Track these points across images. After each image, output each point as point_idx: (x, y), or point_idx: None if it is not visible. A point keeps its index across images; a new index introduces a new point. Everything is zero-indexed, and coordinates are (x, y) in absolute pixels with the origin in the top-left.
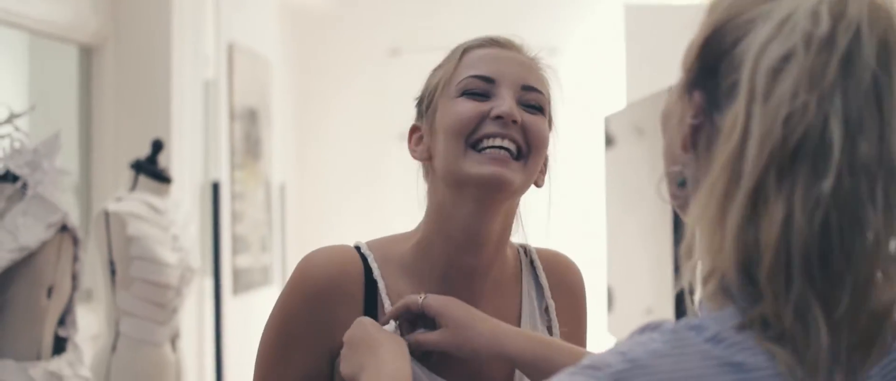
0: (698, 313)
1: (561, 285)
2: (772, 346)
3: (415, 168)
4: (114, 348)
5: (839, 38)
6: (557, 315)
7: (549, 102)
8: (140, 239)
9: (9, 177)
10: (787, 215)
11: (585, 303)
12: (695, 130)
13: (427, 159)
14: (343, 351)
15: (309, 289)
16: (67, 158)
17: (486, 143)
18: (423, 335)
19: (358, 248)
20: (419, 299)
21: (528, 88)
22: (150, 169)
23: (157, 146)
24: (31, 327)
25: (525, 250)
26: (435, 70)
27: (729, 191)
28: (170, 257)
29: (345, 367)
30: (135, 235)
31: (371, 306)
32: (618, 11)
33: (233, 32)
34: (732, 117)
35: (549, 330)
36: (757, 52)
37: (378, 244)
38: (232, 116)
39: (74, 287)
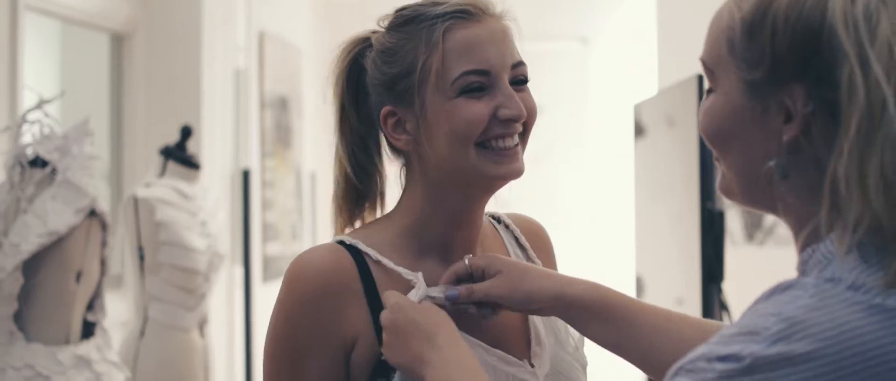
0: (801, 272)
1: (537, 244)
2: None
3: None
4: (142, 333)
5: None
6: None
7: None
8: (169, 225)
9: (38, 162)
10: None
11: (556, 261)
12: (807, 118)
13: (412, 148)
14: (386, 338)
15: (307, 293)
16: (98, 145)
17: (495, 143)
18: (477, 286)
19: (342, 242)
20: (465, 261)
21: (517, 65)
22: (179, 155)
23: (186, 132)
24: (60, 311)
25: (495, 217)
26: (403, 42)
27: (865, 139)
28: (198, 242)
29: (394, 356)
30: (163, 220)
31: (372, 294)
32: (650, 1)
33: (264, 21)
34: (848, 75)
35: None
36: (844, 9)
37: (361, 234)
38: (262, 104)
39: (103, 272)
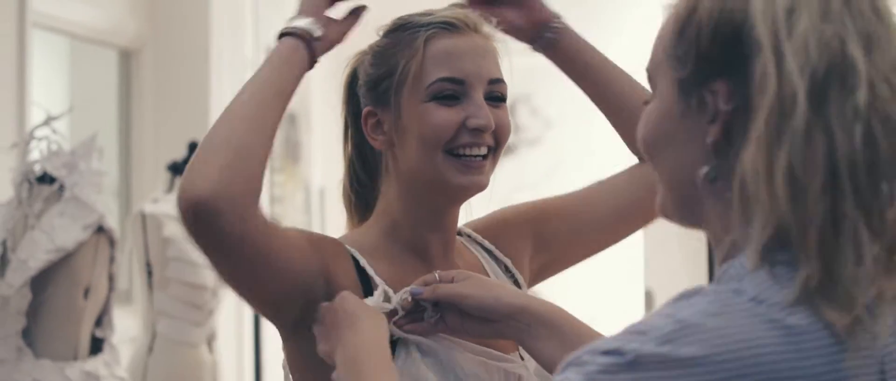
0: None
1: (500, 237)
2: (819, 300)
3: None
4: (150, 348)
5: None
6: (516, 266)
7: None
8: (176, 241)
9: (46, 178)
10: (829, 139)
11: (518, 215)
12: (729, 117)
13: (388, 149)
14: (317, 330)
15: (313, 236)
16: (106, 161)
17: (462, 151)
18: (443, 285)
19: None
20: (436, 274)
21: (494, 81)
22: None
23: (194, 148)
24: (68, 327)
25: (467, 234)
26: (389, 46)
27: (775, 136)
28: None
29: (321, 346)
30: (171, 236)
31: (364, 280)
32: (656, 12)
33: (271, 35)
34: (761, 67)
35: (517, 284)
36: (765, 3)
37: (347, 237)
38: None
39: (111, 288)
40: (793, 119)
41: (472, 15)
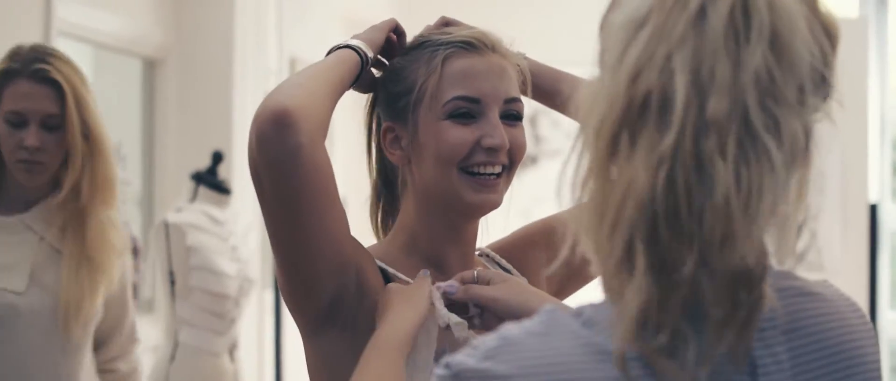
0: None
1: (517, 256)
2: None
3: None
4: (172, 357)
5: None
6: (533, 284)
7: (523, 79)
8: (199, 250)
9: None
10: (632, 177)
11: (537, 232)
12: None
13: (405, 164)
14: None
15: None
16: (130, 170)
17: (476, 169)
18: (475, 286)
19: None
20: (474, 272)
21: (510, 100)
22: (210, 180)
23: (217, 158)
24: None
25: (486, 254)
26: (408, 63)
27: (589, 163)
28: (229, 267)
29: (378, 315)
30: (194, 245)
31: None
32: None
33: (295, 45)
34: (590, 90)
35: None
36: (613, 23)
37: (372, 250)
38: None
39: (134, 297)
40: (596, 151)
41: (491, 35)
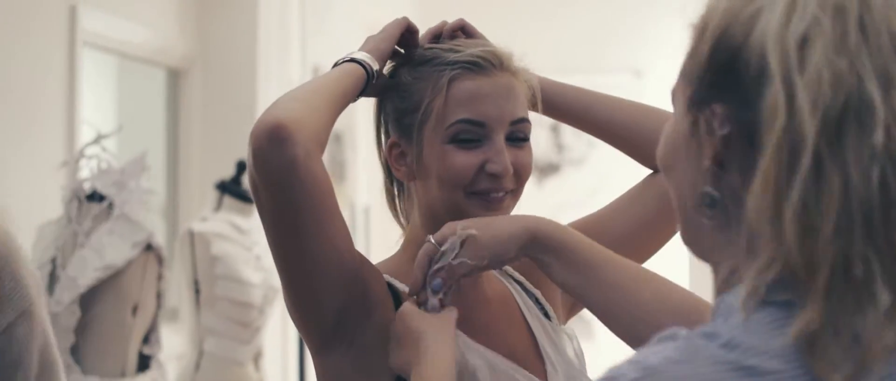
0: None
1: (530, 268)
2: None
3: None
4: (197, 366)
5: (848, 5)
6: (546, 296)
7: (531, 98)
8: (224, 259)
9: (96, 197)
10: (844, 179)
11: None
12: (725, 142)
13: (411, 180)
14: (392, 345)
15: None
16: (155, 179)
17: (482, 194)
18: (450, 264)
19: None
20: (430, 239)
21: (516, 122)
22: (235, 190)
23: (242, 167)
24: (116, 344)
25: None
26: (415, 81)
27: (785, 172)
28: (253, 276)
29: (392, 360)
30: (219, 254)
31: (395, 296)
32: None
33: (318, 54)
34: (772, 98)
35: (546, 315)
36: (777, 30)
37: (379, 266)
38: None
39: (159, 305)
40: (803, 157)
41: (500, 51)
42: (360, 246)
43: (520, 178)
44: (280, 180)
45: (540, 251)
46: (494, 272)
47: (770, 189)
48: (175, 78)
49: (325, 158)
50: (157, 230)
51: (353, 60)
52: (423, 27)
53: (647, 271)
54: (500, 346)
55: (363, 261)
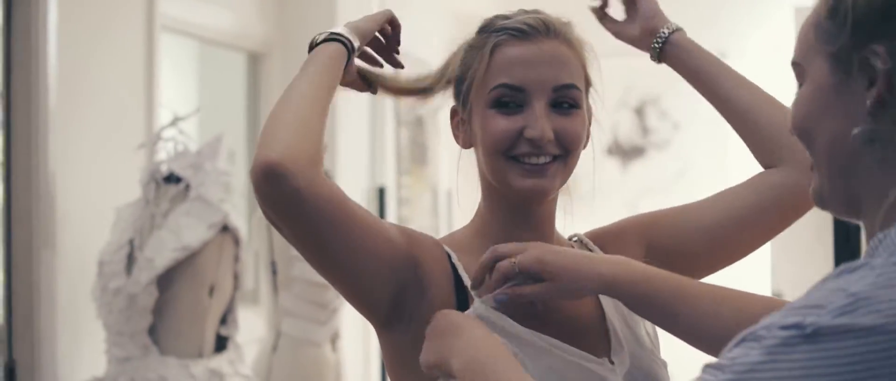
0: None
1: (610, 244)
2: None
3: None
4: (275, 348)
5: None
6: None
7: (585, 77)
8: None
9: (172, 178)
10: None
11: (632, 224)
12: (887, 77)
13: (467, 147)
14: (426, 344)
15: (409, 230)
16: (236, 163)
17: (523, 159)
18: (523, 288)
19: None
20: (513, 261)
21: (560, 88)
22: None
23: None
24: (193, 325)
25: (578, 239)
26: (470, 48)
27: None
28: None
29: (426, 355)
30: None
31: (458, 283)
32: (789, 15)
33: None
34: None
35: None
36: None
37: (447, 238)
38: (398, 122)
39: (236, 287)
40: None
41: (549, 19)
42: (443, 231)
43: (565, 146)
44: (289, 214)
45: (615, 296)
46: (574, 245)
47: None
48: (255, 62)
49: (406, 140)
50: (238, 212)
51: (334, 38)
52: (499, 10)
53: (722, 289)
54: (557, 316)
55: (410, 242)
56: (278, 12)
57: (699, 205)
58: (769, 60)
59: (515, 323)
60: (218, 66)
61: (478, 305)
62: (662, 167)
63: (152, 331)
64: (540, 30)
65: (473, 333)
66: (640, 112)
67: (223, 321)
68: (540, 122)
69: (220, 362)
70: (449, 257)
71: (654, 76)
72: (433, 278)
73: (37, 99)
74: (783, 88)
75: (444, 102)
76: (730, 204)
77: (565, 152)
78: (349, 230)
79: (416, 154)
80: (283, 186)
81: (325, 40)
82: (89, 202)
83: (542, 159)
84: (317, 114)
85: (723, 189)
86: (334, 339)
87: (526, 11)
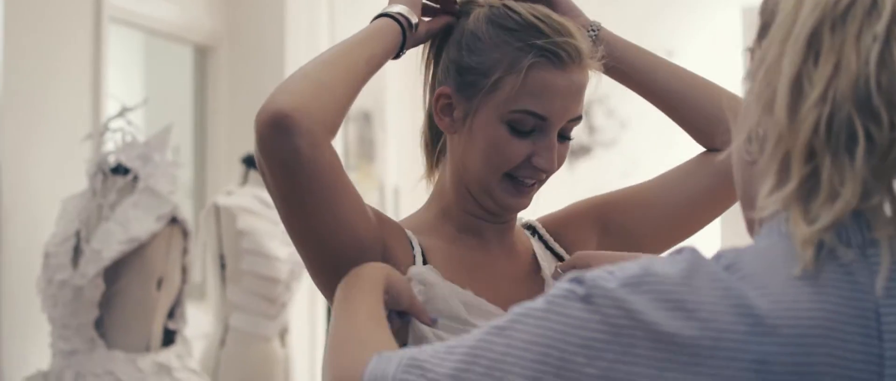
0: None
1: (563, 229)
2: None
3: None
4: (223, 342)
5: None
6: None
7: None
8: (250, 233)
9: (120, 170)
10: (837, 59)
11: (586, 208)
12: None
13: (451, 135)
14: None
15: (377, 211)
16: (182, 156)
17: (519, 179)
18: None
19: None
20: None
21: (574, 120)
22: None
23: None
24: (141, 318)
25: (531, 226)
26: (493, 43)
27: (784, 61)
28: (280, 251)
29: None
30: (245, 229)
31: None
32: (736, 14)
33: (347, 32)
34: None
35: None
36: None
37: (406, 220)
38: (346, 119)
39: (184, 280)
40: (793, 39)
41: (583, 48)
42: None
43: (552, 173)
44: (284, 168)
45: None
46: (526, 232)
47: (774, 79)
48: (202, 55)
49: (354, 136)
50: (184, 206)
51: (386, 14)
52: None
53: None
54: (490, 272)
55: (381, 223)
56: (226, 5)
57: (650, 185)
58: (716, 59)
59: (447, 281)
60: (165, 58)
61: (416, 266)
62: (609, 166)
63: (99, 324)
64: (574, 59)
65: (366, 269)
66: (586, 111)
67: (171, 314)
68: (551, 153)
69: (168, 356)
70: (410, 241)
71: (600, 75)
72: (396, 262)
73: None
74: (730, 87)
75: (391, 98)
76: (682, 184)
77: (548, 175)
78: (338, 203)
79: (364, 150)
80: (285, 139)
81: (375, 18)
82: (35, 193)
83: (532, 182)
84: (344, 81)
85: (671, 169)
86: (283, 334)
87: (555, 23)
